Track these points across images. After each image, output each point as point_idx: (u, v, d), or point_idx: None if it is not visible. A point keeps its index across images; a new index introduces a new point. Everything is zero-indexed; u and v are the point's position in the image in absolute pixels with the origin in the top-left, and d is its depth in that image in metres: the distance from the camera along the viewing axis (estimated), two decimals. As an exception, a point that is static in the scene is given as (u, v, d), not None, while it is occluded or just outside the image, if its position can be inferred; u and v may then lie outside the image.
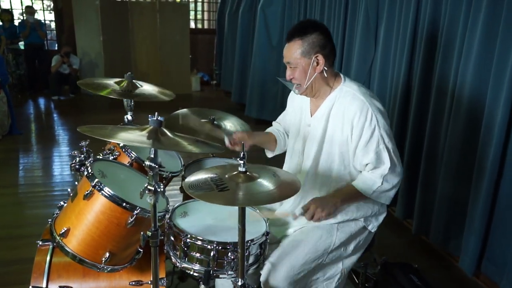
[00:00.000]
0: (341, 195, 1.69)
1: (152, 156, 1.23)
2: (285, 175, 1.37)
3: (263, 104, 5.79)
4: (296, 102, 1.88)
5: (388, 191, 1.69)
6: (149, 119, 1.24)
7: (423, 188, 2.79)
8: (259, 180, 1.28)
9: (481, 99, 2.32)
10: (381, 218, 1.80)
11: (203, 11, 9.34)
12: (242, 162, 1.30)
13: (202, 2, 9.19)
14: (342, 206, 1.70)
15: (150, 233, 1.30)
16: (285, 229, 1.74)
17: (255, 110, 5.81)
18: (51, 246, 1.62)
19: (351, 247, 1.74)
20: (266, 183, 1.28)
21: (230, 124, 2.52)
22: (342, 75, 1.74)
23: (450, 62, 2.54)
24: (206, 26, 9.34)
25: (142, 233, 1.32)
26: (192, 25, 8.88)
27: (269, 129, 2.09)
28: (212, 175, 1.33)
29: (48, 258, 1.59)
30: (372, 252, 2.14)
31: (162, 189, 1.25)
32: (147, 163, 1.23)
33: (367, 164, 1.66)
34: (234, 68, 6.75)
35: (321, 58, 1.64)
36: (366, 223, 1.76)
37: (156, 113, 1.28)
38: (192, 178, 1.34)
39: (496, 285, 2.33)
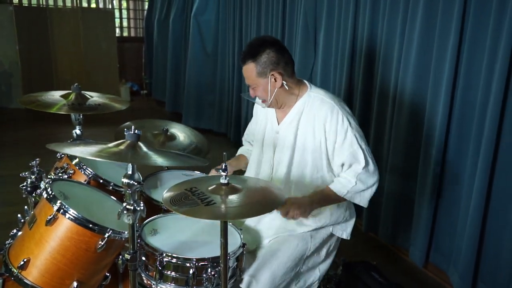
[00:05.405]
0: (317, 196, 1.68)
1: (130, 172, 1.14)
2: (267, 184, 1.35)
3: (200, 112, 5.71)
4: (261, 110, 1.88)
5: (363, 191, 1.69)
6: (125, 133, 1.15)
7: (370, 187, 2.92)
8: (243, 191, 1.25)
9: (422, 102, 2.48)
10: (350, 224, 1.84)
11: (129, 18, 8.99)
12: (224, 174, 1.25)
13: (128, 10, 8.85)
14: (315, 212, 1.71)
15: (129, 256, 1.20)
16: (259, 239, 1.72)
17: (192, 119, 5.70)
18: (0, 280, 1.44)
19: (323, 252, 1.76)
20: (251, 194, 1.25)
21: (184, 134, 2.44)
22: (307, 82, 1.77)
23: (390, 68, 2.69)
24: (133, 34, 9.00)
25: (120, 257, 1.22)
26: (118, 33, 8.50)
27: (240, 151, 2.10)
28: (191, 189, 1.27)
29: (-2, 294, 1.41)
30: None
31: (142, 208, 1.16)
32: (125, 180, 1.14)
33: (342, 165, 1.68)
34: (166, 77, 6.57)
35: (277, 74, 1.66)
36: (335, 231, 1.80)
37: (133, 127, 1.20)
38: (169, 193, 1.27)
39: (443, 273, 2.50)
